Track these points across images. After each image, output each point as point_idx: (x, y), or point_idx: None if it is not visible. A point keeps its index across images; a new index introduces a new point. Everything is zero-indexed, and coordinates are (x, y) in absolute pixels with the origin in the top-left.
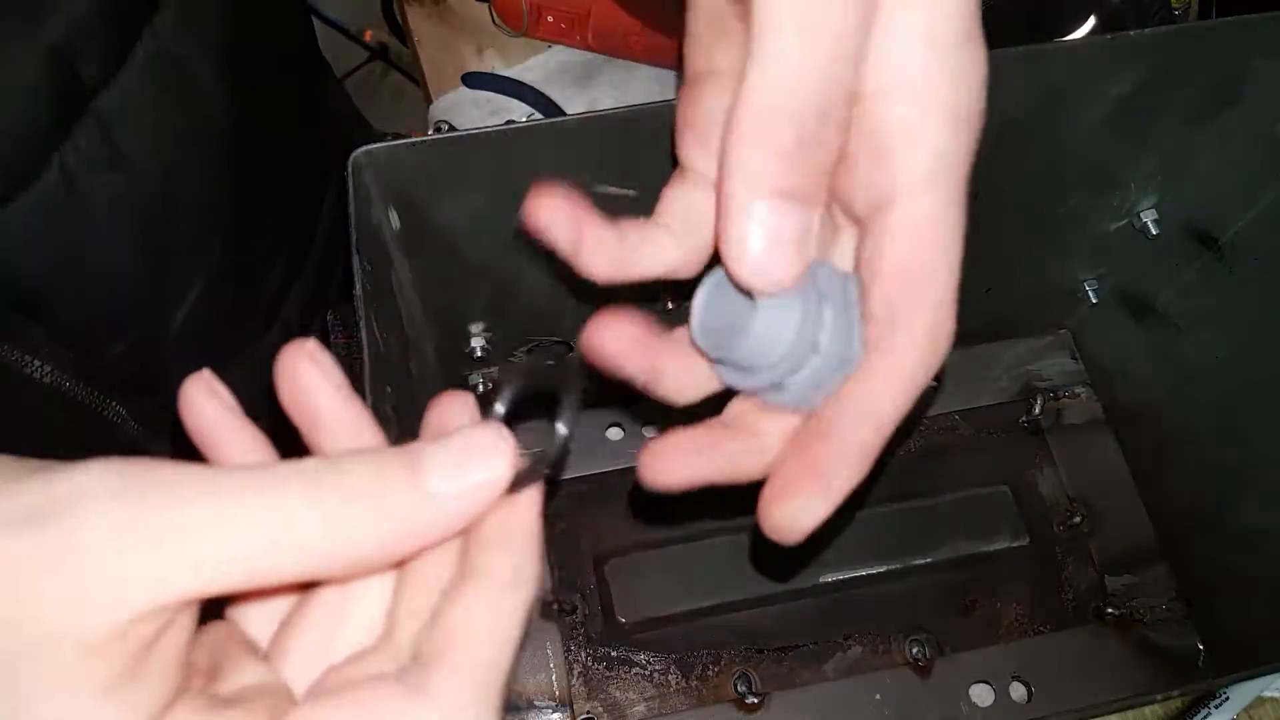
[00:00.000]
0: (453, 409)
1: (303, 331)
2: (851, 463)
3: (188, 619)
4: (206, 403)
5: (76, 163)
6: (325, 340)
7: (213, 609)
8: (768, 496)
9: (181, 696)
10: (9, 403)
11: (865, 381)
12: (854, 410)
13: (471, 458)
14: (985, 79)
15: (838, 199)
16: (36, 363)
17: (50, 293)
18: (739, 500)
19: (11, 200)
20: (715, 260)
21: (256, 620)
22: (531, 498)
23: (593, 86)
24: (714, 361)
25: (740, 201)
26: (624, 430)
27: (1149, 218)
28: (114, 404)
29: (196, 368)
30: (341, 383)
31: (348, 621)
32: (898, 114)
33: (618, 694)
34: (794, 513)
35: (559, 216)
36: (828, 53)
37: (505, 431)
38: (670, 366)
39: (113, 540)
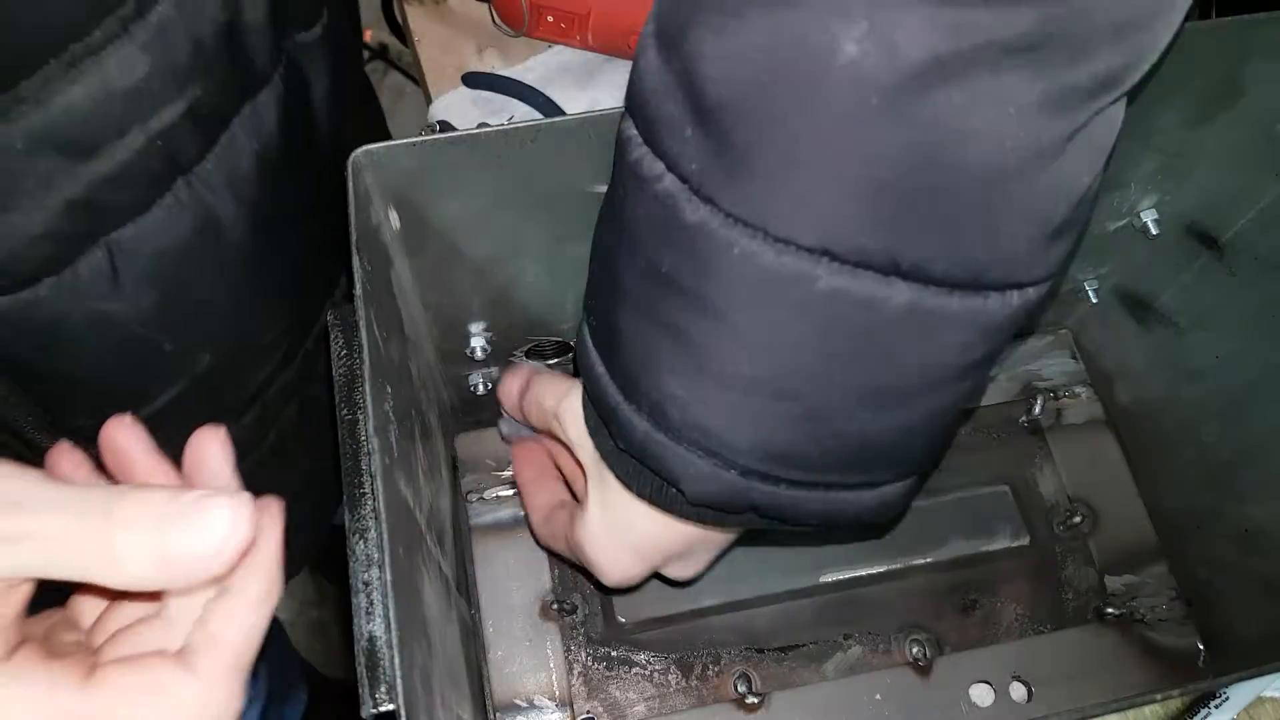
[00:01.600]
0: (207, 450)
1: (280, 411)
2: None
3: (20, 593)
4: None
5: (73, 288)
6: (324, 342)
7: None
8: None
9: (19, 649)
10: None
11: None
12: None
13: (213, 527)
14: None
15: None
16: None
17: (23, 367)
18: None
19: None
20: None
21: (90, 606)
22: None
23: (593, 86)
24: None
25: None
26: None
27: (1149, 218)
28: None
29: (167, 447)
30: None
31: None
32: None
33: (618, 694)
34: None
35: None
36: None
37: (241, 506)
38: None
39: None
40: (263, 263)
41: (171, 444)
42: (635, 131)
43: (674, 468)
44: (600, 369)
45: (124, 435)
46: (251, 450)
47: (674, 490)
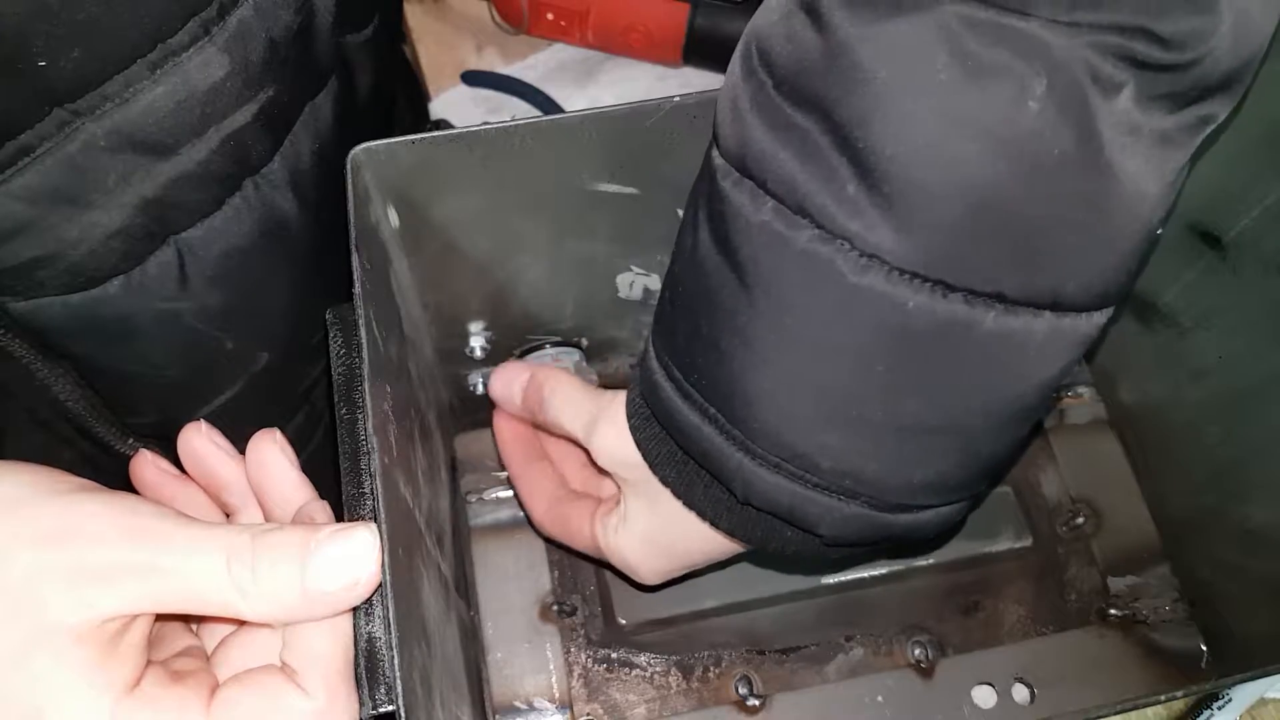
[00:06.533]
0: (268, 454)
1: (326, 411)
2: None
3: (146, 622)
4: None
5: (142, 286)
6: (323, 342)
7: None
8: None
9: (145, 675)
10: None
11: None
12: None
13: (351, 561)
14: None
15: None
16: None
17: (90, 364)
18: None
19: (62, 296)
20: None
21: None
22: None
23: (593, 84)
24: None
25: None
26: None
27: None
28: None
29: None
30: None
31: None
32: None
33: (618, 696)
34: None
35: None
36: None
37: (375, 535)
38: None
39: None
40: (318, 261)
41: (231, 443)
42: (750, 187)
43: (810, 514)
44: (707, 429)
45: (200, 441)
46: (302, 451)
47: (789, 532)
